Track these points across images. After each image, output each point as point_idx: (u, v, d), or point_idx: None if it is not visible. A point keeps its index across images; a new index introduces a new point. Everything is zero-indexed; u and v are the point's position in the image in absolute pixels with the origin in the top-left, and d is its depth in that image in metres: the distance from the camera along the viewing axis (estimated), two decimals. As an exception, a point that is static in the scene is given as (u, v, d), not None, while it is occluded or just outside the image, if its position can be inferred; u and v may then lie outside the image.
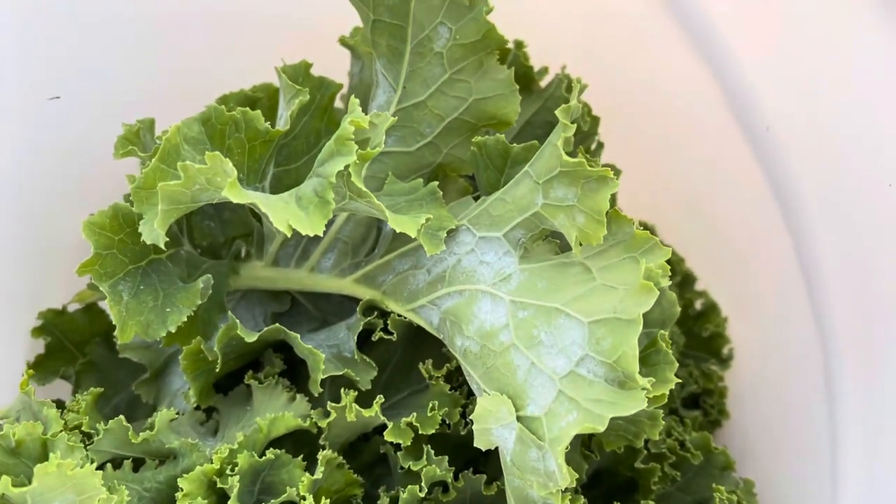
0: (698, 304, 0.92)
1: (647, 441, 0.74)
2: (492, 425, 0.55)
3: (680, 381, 0.59)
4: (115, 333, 0.62)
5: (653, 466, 0.70)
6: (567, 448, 0.51)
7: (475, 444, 0.56)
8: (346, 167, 0.53)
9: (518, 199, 0.59)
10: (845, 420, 0.74)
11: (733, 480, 0.76)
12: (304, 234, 0.52)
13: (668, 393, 0.54)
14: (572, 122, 0.55)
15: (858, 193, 0.70)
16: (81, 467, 0.51)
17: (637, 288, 0.51)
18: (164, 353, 0.75)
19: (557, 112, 0.55)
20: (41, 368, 0.78)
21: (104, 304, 0.83)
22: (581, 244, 0.56)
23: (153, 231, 0.55)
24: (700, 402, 0.88)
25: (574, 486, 0.57)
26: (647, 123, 0.85)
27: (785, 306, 0.83)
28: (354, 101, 0.56)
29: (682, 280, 0.92)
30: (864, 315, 0.73)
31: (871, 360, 0.73)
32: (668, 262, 0.94)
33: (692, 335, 0.90)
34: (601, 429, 0.49)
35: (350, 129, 0.54)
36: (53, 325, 0.80)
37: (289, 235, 0.52)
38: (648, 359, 0.56)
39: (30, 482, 0.51)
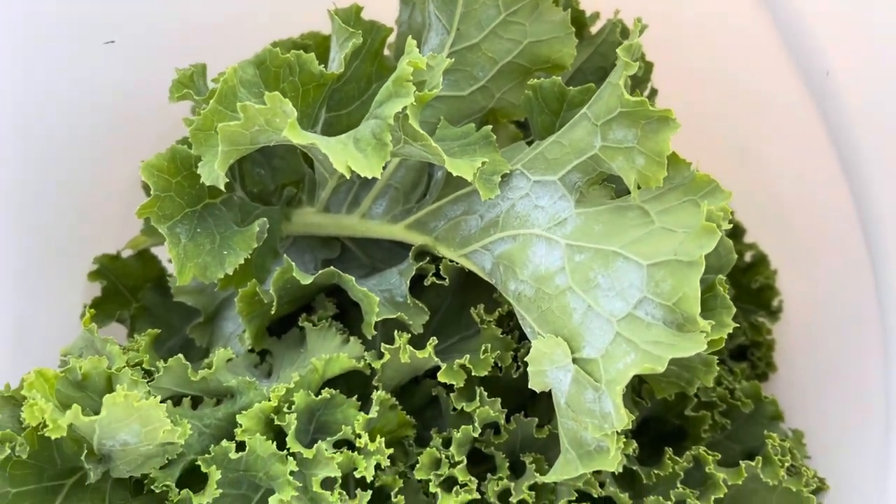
0: (748, 256, 0.91)
1: (696, 389, 0.74)
2: (546, 367, 0.55)
3: (737, 325, 0.58)
4: (173, 275, 0.63)
5: (703, 414, 0.70)
6: (624, 390, 0.51)
7: (529, 386, 0.56)
8: (404, 109, 0.53)
9: (575, 142, 0.58)
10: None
11: (782, 431, 0.76)
12: (362, 175, 0.52)
13: (724, 338, 0.54)
14: (633, 62, 0.54)
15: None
16: (147, 400, 0.53)
17: (698, 230, 0.50)
18: (217, 297, 0.76)
19: (619, 50, 0.54)
20: (98, 311, 0.80)
21: (156, 251, 0.85)
22: (639, 187, 0.56)
23: (213, 171, 0.55)
24: (748, 354, 0.88)
25: (629, 427, 0.57)
26: (700, 68, 0.83)
27: (841, 259, 0.81)
28: (412, 42, 0.56)
29: (732, 232, 0.90)
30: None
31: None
32: (719, 212, 0.92)
33: (741, 287, 0.89)
34: (660, 369, 0.49)
35: (409, 69, 0.53)
36: (108, 270, 0.81)
37: (347, 177, 0.52)
38: (706, 303, 0.55)
39: (97, 414, 0.53)
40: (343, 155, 0.52)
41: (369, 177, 0.53)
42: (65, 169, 0.77)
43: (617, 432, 0.53)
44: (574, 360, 0.54)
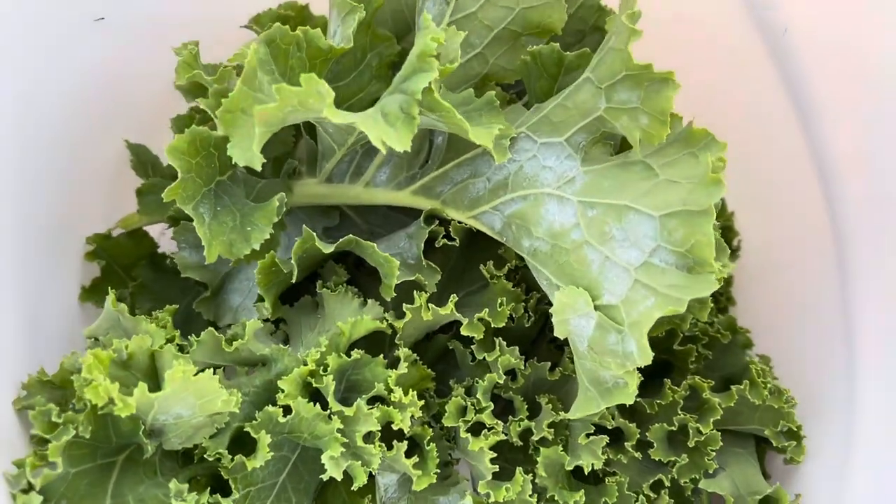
0: (708, 200, 0.98)
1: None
2: (569, 316, 0.60)
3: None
4: (167, 252, 0.64)
5: (689, 348, 0.77)
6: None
7: (554, 334, 0.61)
8: (430, 83, 0.56)
9: (580, 104, 0.62)
10: (860, 298, 0.81)
11: (752, 357, 0.84)
12: (396, 149, 0.55)
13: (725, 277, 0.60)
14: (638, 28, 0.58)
15: (873, 89, 0.75)
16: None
17: (706, 180, 0.56)
18: (221, 271, 0.78)
19: (623, 18, 0.58)
20: (98, 291, 0.81)
21: (148, 228, 0.85)
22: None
23: (248, 152, 0.57)
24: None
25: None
26: (665, 20, 0.88)
27: (795, 196, 0.89)
28: (427, 18, 0.58)
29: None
30: (877, 203, 0.79)
31: (884, 245, 0.79)
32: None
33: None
34: (682, 310, 0.54)
35: (432, 45, 0.56)
36: (103, 250, 0.82)
37: (384, 152, 0.55)
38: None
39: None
40: (377, 130, 0.55)
41: (399, 150, 0.56)
42: (50, 151, 0.76)
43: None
44: (595, 308, 0.59)
